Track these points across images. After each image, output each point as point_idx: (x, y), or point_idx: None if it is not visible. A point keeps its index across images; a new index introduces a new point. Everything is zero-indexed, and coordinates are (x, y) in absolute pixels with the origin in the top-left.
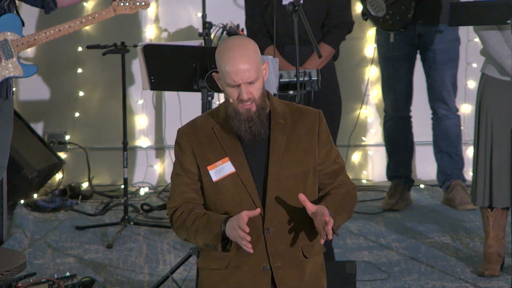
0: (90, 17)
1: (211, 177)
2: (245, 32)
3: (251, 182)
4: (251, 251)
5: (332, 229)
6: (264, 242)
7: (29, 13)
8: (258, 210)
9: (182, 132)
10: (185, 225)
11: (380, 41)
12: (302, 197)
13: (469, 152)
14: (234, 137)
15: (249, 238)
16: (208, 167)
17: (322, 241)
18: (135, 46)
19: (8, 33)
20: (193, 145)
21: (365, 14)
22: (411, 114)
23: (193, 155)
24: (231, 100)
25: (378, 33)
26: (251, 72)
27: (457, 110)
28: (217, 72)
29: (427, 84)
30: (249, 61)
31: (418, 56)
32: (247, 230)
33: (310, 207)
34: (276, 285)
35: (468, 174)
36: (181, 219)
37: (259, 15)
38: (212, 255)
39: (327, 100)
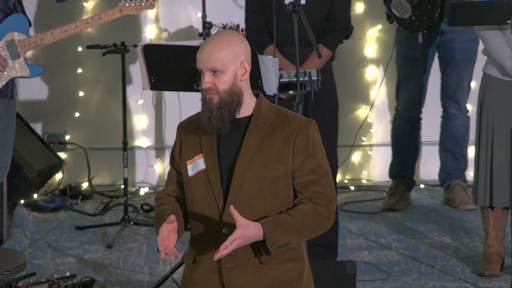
0: (96, 18)
1: (188, 171)
2: (244, 32)
3: (217, 181)
4: (162, 256)
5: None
6: (220, 242)
7: (31, 14)
8: (173, 217)
9: (180, 126)
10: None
11: (400, 40)
12: (231, 209)
13: (470, 152)
14: (214, 135)
15: (162, 251)
16: (187, 162)
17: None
18: (135, 46)
19: (15, 33)
20: (182, 139)
21: (390, 17)
22: (421, 115)
23: (179, 149)
24: (200, 88)
25: (398, 32)
26: (216, 61)
27: (467, 111)
28: None
29: (441, 82)
30: (219, 50)
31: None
32: (163, 246)
33: (239, 221)
34: (224, 285)
35: (469, 174)
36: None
37: (261, 12)
38: (188, 249)
39: (324, 103)
